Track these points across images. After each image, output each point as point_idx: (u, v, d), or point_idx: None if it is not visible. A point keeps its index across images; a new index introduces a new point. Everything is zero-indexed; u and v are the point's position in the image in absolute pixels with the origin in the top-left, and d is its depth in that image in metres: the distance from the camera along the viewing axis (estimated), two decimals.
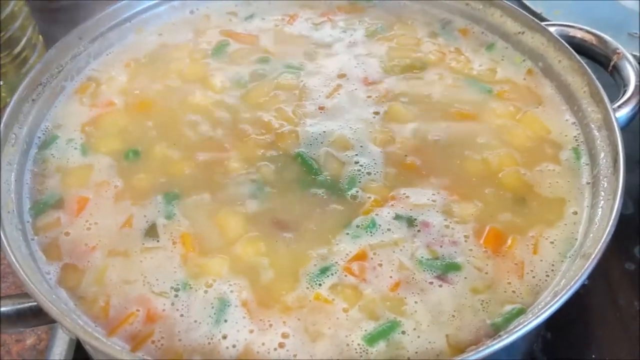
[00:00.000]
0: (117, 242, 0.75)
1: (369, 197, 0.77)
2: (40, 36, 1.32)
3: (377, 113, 0.87)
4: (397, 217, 0.75)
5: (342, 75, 0.93)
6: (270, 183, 0.79)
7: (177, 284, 0.71)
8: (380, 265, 0.71)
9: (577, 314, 0.93)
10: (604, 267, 0.97)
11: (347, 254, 0.72)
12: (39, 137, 0.86)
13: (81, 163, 0.83)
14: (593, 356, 0.90)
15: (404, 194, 0.78)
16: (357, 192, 0.78)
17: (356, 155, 0.82)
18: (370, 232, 0.74)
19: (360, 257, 0.72)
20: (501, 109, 0.88)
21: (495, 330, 0.66)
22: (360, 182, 0.79)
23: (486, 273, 0.71)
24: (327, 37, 0.99)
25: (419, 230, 0.74)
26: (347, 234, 0.74)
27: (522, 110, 0.88)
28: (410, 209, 0.76)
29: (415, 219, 0.75)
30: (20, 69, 1.27)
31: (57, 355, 0.89)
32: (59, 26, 1.18)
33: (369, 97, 0.89)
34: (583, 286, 0.94)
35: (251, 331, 0.67)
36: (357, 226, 0.75)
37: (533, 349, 0.90)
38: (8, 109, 0.82)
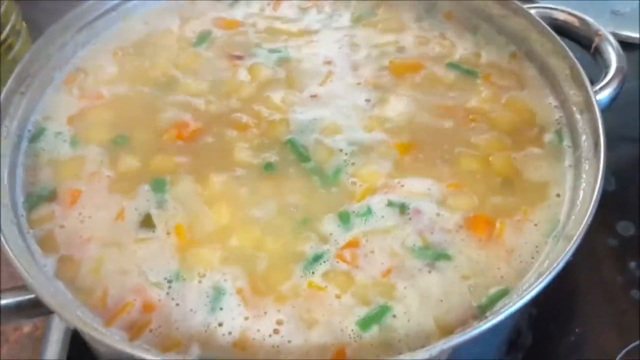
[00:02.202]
0: (112, 234, 0.76)
1: (361, 185, 0.79)
2: (24, 23, 1.31)
3: (368, 100, 0.88)
4: (390, 204, 0.77)
5: (330, 62, 0.93)
6: (261, 171, 0.80)
7: (171, 274, 0.72)
8: (372, 252, 0.73)
9: (562, 290, 0.95)
10: (588, 243, 0.99)
11: (340, 241, 0.74)
12: (29, 130, 0.86)
13: (71, 155, 0.84)
14: (576, 330, 0.92)
15: (398, 182, 0.79)
16: (349, 179, 0.79)
17: (347, 142, 0.83)
18: (364, 219, 0.75)
19: (353, 244, 0.73)
20: (487, 93, 0.89)
21: (481, 312, 0.68)
22: (350, 170, 0.80)
23: (477, 262, 0.72)
24: (313, 23, 1.00)
25: (410, 218, 0.76)
26: (340, 220, 0.75)
27: (506, 93, 0.89)
28: (404, 197, 0.77)
29: (408, 206, 0.77)
30: (6, 55, 1.27)
31: (54, 343, 0.90)
32: (43, 12, 1.17)
33: (359, 84, 0.90)
34: (567, 262, 0.96)
35: (246, 318, 0.69)
36: (351, 213, 0.76)
37: (519, 325, 0.93)
38: None
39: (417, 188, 0.78)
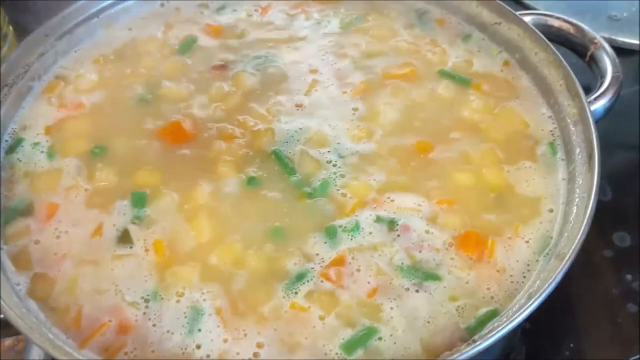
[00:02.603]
0: (88, 250, 0.73)
1: (351, 197, 0.76)
2: (11, 27, 1.29)
3: (355, 109, 0.86)
4: (378, 219, 0.74)
5: (316, 70, 0.91)
6: (245, 185, 0.78)
7: (148, 293, 0.70)
8: (358, 270, 0.70)
9: (556, 303, 0.93)
10: (584, 254, 0.97)
11: (325, 259, 0.71)
12: (6, 141, 0.83)
13: (49, 167, 0.81)
14: (571, 345, 0.90)
15: (387, 196, 0.76)
16: (338, 190, 0.77)
17: (334, 153, 0.80)
18: (351, 235, 0.73)
19: (338, 262, 0.71)
20: (479, 103, 0.86)
21: (470, 334, 0.66)
22: (339, 182, 0.78)
23: (466, 282, 0.70)
24: (301, 30, 0.97)
25: (398, 235, 0.73)
26: (326, 236, 0.73)
27: (499, 103, 0.86)
28: (393, 212, 0.75)
29: (397, 222, 0.74)
30: None
31: (36, 355, 0.87)
32: (30, 16, 1.15)
33: (345, 92, 0.88)
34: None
35: (225, 340, 0.66)
36: (338, 228, 0.73)
37: (512, 340, 0.91)
38: None
39: (406, 203, 0.76)
